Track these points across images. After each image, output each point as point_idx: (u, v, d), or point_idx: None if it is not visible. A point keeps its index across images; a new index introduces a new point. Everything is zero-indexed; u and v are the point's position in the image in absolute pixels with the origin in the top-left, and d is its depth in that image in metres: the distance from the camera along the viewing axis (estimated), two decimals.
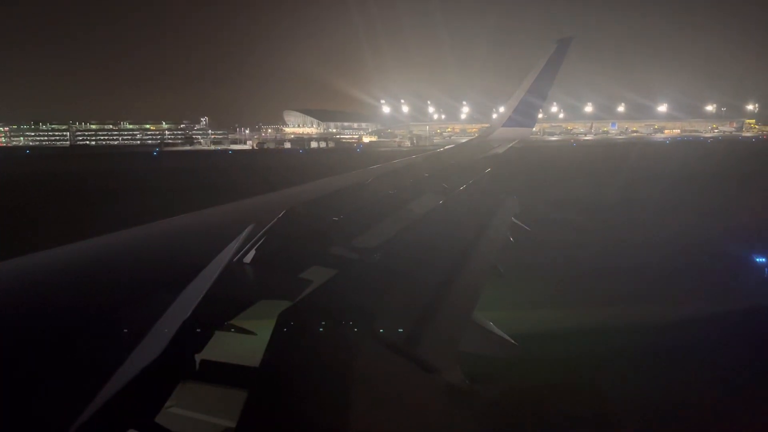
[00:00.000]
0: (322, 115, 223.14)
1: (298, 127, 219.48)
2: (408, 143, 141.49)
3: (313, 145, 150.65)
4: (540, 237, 8.74)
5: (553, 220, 19.08)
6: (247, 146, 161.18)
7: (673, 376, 8.82)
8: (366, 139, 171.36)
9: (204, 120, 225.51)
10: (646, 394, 8.26)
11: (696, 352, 9.56)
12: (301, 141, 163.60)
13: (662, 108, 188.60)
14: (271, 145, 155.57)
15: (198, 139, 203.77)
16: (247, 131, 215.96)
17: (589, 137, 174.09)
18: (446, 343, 3.31)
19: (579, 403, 8.07)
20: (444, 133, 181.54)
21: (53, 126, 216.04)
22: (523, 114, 11.08)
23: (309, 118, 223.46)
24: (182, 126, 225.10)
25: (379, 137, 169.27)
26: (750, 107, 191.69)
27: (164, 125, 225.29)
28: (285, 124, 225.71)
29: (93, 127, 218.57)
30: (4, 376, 2.00)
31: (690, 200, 28.69)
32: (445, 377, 2.87)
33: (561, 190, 31.73)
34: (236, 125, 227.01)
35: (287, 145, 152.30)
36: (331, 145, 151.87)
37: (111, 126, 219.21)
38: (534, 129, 13.02)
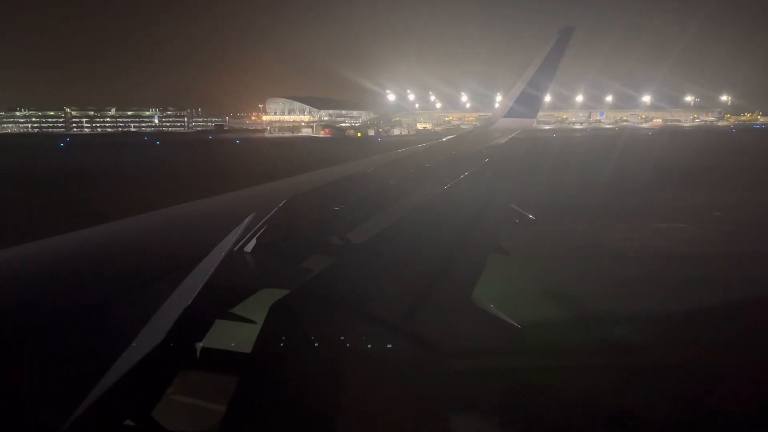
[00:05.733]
0: (314, 103, 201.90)
1: (282, 114, 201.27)
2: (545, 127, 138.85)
3: (396, 132, 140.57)
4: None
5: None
6: (320, 134, 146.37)
7: (681, 371, 8.79)
8: (420, 126, 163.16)
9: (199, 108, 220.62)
10: (651, 385, 8.24)
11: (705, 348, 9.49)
12: (345, 129, 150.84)
13: (646, 98, 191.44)
14: (351, 132, 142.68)
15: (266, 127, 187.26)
16: (265, 118, 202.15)
17: (579, 126, 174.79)
18: (444, 324, 3.33)
19: (582, 391, 8.05)
20: (452, 122, 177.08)
21: (30, 112, 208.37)
22: (525, 104, 11.01)
23: (298, 105, 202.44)
24: (168, 113, 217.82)
25: (378, 125, 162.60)
26: (724, 98, 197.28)
27: (149, 112, 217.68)
28: (265, 112, 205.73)
29: (73, 113, 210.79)
30: (3, 365, 2.00)
31: None
32: (442, 359, 2.91)
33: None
34: (261, 112, 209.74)
35: (371, 132, 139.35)
36: (413, 132, 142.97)
37: (93, 113, 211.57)
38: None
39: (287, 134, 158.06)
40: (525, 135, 11.41)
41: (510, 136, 10.81)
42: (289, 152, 71.45)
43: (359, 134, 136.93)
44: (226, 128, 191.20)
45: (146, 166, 53.68)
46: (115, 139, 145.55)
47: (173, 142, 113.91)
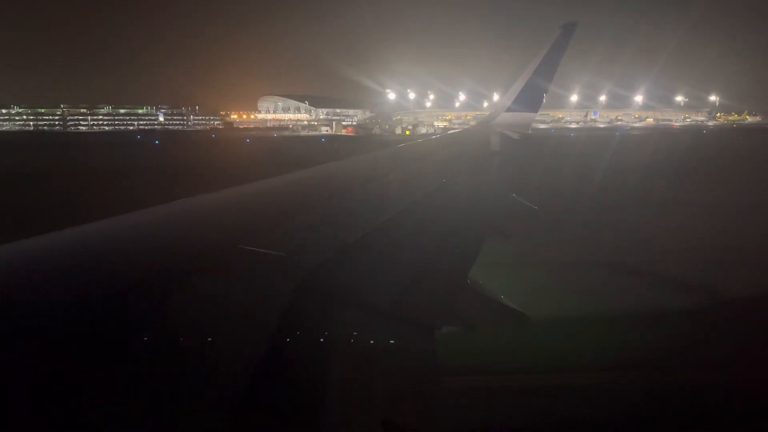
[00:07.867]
0: (310, 101, 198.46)
1: (276, 113, 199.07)
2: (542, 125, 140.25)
3: (422, 130, 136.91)
4: None
5: None
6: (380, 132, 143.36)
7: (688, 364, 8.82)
8: (439, 124, 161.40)
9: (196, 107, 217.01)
10: (662, 377, 8.29)
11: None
12: (363, 128, 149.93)
13: (638, 98, 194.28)
14: (377, 130, 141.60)
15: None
16: (271, 115, 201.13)
17: (575, 125, 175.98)
18: (440, 304, 3.38)
19: (593, 385, 8.07)
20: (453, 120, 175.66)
21: (21, 110, 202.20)
22: (527, 99, 11.05)
23: (293, 103, 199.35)
24: (163, 111, 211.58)
25: (378, 123, 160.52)
26: (713, 98, 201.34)
27: (142, 110, 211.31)
28: (258, 111, 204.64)
29: (69, 111, 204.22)
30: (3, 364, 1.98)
31: None
32: (437, 342, 2.90)
33: None
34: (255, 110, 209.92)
35: (398, 131, 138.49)
36: (438, 129, 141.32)
37: (85, 110, 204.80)
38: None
39: (313, 132, 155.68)
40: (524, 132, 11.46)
41: (527, 132, 10.92)
42: (382, 141, 74.63)
43: (407, 132, 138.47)
44: (248, 126, 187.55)
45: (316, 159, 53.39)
46: (187, 137, 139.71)
47: (258, 138, 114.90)
